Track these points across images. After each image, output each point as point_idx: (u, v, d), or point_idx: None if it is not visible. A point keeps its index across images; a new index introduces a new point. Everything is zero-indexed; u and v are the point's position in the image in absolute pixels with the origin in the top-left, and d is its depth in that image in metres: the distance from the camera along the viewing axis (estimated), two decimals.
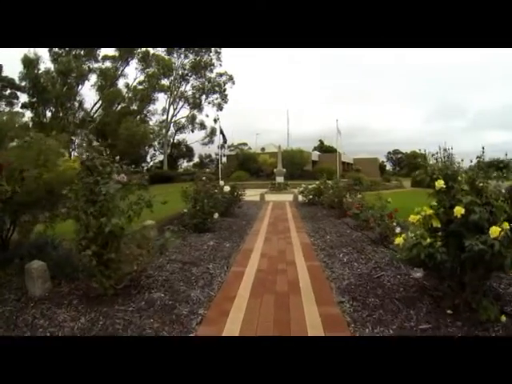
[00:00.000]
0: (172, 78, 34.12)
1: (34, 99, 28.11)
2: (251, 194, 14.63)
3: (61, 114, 30.63)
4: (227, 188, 6.07)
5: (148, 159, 41.70)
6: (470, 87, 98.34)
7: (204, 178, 5.80)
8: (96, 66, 31.36)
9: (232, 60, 45.55)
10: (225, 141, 21.42)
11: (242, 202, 8.81)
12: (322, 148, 52.06)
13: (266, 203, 11.55)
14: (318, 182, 10.21)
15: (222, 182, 6.20)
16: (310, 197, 10.00)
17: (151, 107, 35.80)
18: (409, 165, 52.72)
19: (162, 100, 35.52)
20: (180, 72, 34.32)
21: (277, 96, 75.66)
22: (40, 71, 27.46)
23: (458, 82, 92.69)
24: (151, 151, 38.19)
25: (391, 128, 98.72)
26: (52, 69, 27.99)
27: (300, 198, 11.15)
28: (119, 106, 34.62)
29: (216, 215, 5.55)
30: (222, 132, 20.90)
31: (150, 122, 35.80)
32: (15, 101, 29.47)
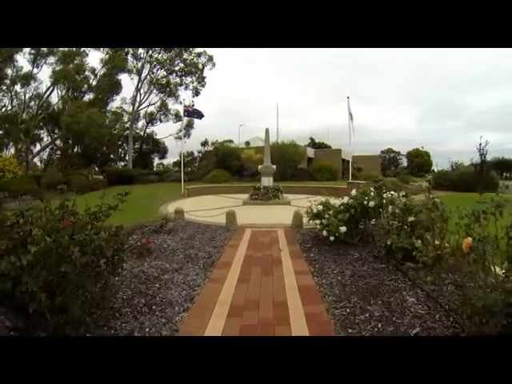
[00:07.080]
0: (142, 60, 27.76)
1: None
2: (220, 207, 8.16)
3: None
4: None
5: (127, 157, 34.97)
6: (465, 87, 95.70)
7: None
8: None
9: (220, 55, 38.90)
10: (200, 116, 14.76)
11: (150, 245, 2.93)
12: (315, 145, 46.93)
13: (236, 235, 5.37)
14: (354, 192, 4.37)
15: None
16: (343, 228, 4.05)
17: (119, 97, 29.52)
18: (412, 163, 47.95)
19: (130, 86, 29.15)
20: (149, 51, 27.85)
21: (266, 94, 70.40)
22: None
23: (453, 82, 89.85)
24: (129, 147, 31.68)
25: (384, 128, 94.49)
26: None
27: (306, 219, 5.12)
28: (85, 96, 28.50)
29: None
30: (189, 112, 14.77)
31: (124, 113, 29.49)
32: None
